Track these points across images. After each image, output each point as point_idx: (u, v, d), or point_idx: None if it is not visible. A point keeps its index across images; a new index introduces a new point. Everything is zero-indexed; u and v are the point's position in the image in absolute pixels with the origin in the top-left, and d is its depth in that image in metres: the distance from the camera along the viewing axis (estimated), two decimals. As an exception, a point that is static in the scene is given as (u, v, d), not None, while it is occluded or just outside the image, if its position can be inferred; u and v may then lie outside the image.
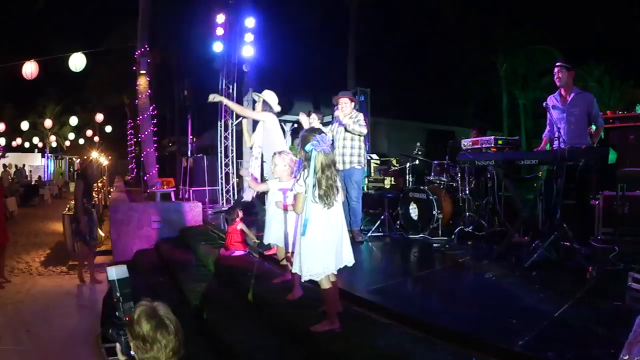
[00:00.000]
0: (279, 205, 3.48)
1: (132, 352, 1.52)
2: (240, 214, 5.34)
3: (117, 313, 1.60)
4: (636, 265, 3.57)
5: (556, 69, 4.40)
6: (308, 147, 2.65)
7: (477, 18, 18.36)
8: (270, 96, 4.83)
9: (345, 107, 5.05)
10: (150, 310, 1.52)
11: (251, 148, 5.64)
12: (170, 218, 7.86)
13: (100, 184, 16.77)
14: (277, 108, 4.86)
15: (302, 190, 2.69)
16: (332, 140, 2.61)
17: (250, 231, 5.33)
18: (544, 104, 4.44)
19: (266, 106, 4.80)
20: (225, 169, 9.88)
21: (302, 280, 2.85)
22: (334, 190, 2.70)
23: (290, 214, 3.47)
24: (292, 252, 3.62)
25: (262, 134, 4.92)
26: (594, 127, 4.50)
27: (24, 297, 5.53)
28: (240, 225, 5.24)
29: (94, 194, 12.42)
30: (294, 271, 2.86)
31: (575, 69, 4.52)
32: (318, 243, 2.69)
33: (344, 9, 14.66)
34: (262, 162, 6.32)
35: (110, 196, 12.37)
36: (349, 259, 2.84)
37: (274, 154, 3.61)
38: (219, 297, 4.13)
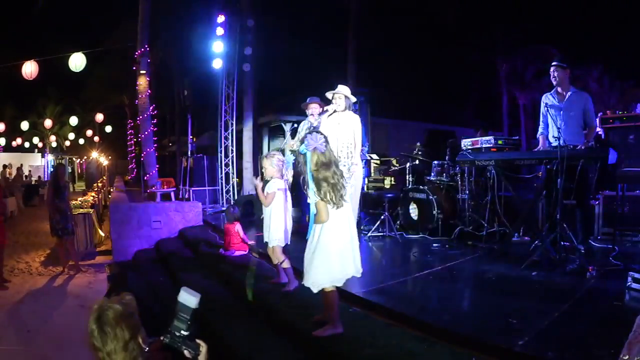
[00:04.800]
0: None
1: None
2: (238, 215, 5.32)
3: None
4: (636, 265, 3.57)
5: (552, 69, 4.47)
6: (302, 148, 2.65)
7: (477, 18, 18.38)
8: (347, 90, 4.70)
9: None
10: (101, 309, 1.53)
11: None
12: (170, 218, 7.86)
13: (100, 184, 16.80)
14: (353, 99, 4.74)
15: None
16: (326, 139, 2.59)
17: (244, 233, 5.26)
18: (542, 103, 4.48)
19: (348, 101, 4.71)
20: (225, 169, 9.88)
21: (315, 291, 2.72)
22: (337, 188, 2.60)
23: (281, 209, 3.57)
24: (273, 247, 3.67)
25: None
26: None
27: (24, 297, 5.52)
28: (237, 227, 5.22)
29: (94, 193, 12.53)
30: (306, 284, 2.74)
31: (571, 69, 4.55)
32: (331, 251, 2.62)
33: (344, 9, 14.65)
34: None
35: (110, 196, 12.36)
36: (358, 270, 2.75)
37: (262, 157, 3.67)
38: (219, 297, 4.13)
